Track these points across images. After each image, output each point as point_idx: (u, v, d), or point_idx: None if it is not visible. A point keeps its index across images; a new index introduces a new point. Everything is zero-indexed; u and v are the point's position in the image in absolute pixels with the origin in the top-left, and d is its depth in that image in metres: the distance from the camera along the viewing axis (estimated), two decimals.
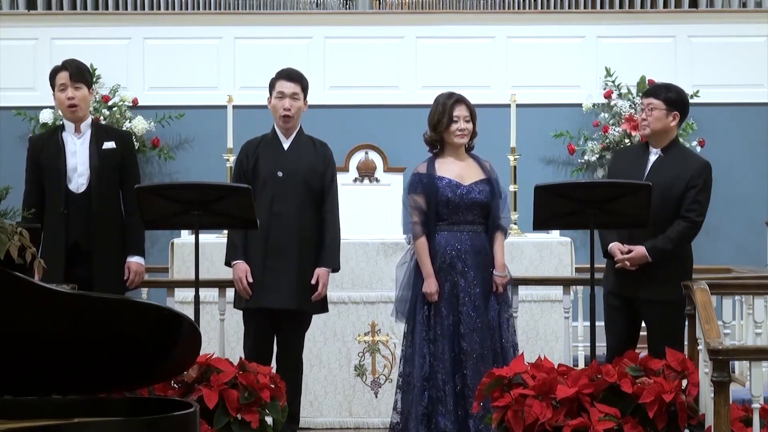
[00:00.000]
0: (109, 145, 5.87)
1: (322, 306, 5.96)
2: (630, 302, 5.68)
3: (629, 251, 5.58)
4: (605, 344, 5.76)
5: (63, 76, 5.83)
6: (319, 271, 5.83)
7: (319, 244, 5.86)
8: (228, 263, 5.85)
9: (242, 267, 5.79)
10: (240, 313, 5.99)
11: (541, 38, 9.52)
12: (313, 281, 5.80)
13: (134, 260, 5.90)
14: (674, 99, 5.71)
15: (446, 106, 5.79)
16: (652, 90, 5.80)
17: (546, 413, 4.97)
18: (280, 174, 5.83)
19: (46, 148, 5.87)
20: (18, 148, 9.32)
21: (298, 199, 5.80)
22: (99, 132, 5.93)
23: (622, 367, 5.13)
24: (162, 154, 9.31)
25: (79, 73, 5.85)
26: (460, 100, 5.82)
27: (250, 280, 5.77)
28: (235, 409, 5.18)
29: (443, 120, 5.77)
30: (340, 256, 5.95)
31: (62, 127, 5.91)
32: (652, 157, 5.71)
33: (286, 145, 5.93)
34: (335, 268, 5.93)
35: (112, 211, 5.86)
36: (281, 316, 5.84)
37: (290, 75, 5.98)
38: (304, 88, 5.99)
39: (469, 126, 5.81)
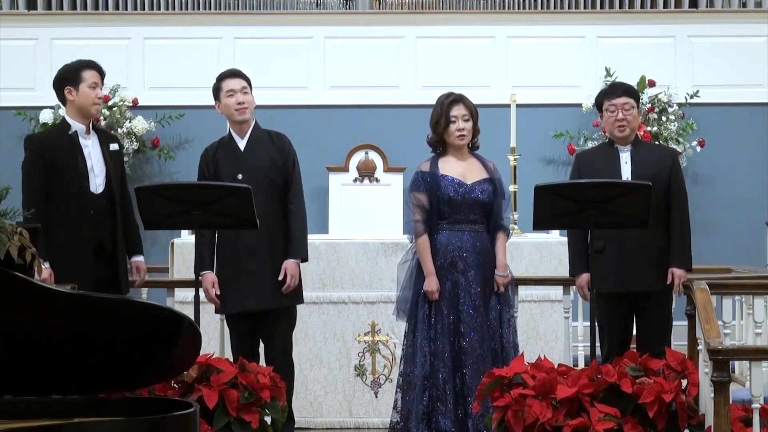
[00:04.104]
0: (114, 147, 5.90)
1: (299, 297, 5.96)
2: (622, 298, 5.69)
3: (671, 282, 5.64)
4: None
5: (95, 75, 5.84)
6: (287, 264, 5.82)
7: (286, 235, 5.86)
8: (197, 274, 5.78)
9: (209, 278, 5.80)
10: None
11: (541, 38, 9.52)
12: (281, 276, 5.80)
13: (140, 259, 5.94)
14: (637, 95, 5.88)
15: (443, 106, 5.77)
16: (625, 89, 5.85)
17: (546, 413, 4.97)
18: (240, 177, 5.79)
19: (60, 149, 5.75)
20: (18, 148, 9.30)
21: (262, 198, 5.73)
22: (101, 134, 5.95)
23: (622, 367, 5.13)
24: (162, 154, 9.32)
25: (104, 76, 5.92)
26: (457, 99, 5.79)
27: (218, 291, 5.78)
28: (235, 409, 5.18)
29: (441, 121, 5.76)
30: (307, 246, 5.94)
31: (68, 127, 5.80)
32: (625, 155, 5.75)
33: (242, 146, 5.90)
34: (304, 259, 5.92)
35: (123, 212, 5.87)
36: (263, 317, 5.85)
37: (235, 73, 5.99)
38: (250, 84, 5.97)
39: (468, 125, 5.78)
